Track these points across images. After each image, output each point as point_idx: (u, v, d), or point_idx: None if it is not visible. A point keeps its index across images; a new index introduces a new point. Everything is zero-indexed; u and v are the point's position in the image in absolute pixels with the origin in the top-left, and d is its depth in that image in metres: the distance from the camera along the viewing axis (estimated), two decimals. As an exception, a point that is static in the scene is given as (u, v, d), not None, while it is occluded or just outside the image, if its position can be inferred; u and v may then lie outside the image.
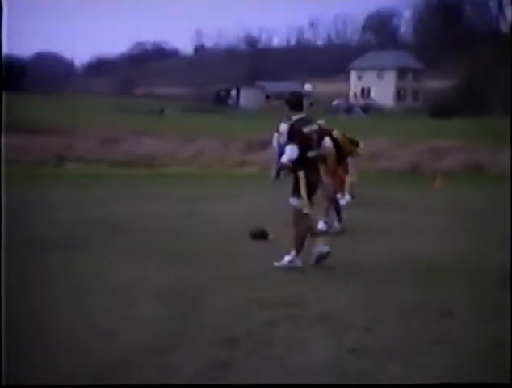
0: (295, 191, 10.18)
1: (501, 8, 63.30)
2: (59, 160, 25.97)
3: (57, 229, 12.43)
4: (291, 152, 10.03)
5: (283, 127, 22.45)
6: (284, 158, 10.12)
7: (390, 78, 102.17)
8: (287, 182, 20.88)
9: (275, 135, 24.03)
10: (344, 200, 14.64)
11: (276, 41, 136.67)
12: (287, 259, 10.16)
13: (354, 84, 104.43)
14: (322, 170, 13.16)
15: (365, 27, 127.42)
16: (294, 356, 6.42)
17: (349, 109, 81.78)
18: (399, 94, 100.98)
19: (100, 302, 8.06)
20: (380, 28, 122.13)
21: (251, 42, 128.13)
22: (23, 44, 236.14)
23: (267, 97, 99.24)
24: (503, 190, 15.52)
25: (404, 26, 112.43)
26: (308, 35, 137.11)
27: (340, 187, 14.05)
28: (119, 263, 10.03)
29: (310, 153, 10.18)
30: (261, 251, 11.13)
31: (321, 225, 13.08)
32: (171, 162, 28.06)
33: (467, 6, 66.33)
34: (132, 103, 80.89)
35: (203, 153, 30.66)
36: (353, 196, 15.35)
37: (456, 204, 16.74)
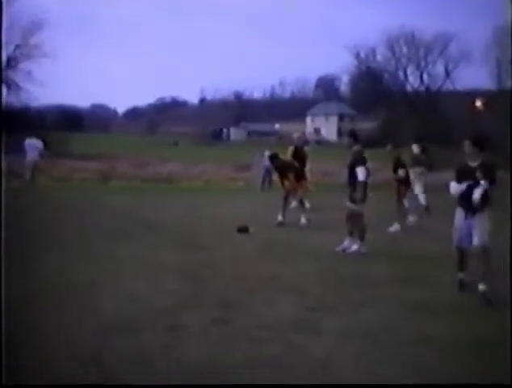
0: (355, 199, 9.92)
1: (405, 75, 65.22)
2: (105, 178, 25.78)
3: (106, 225, 12.34)
4: (365, 172, 9.90)
5: (267, 153, 21.65)
6: (363, 177, 9.84)
7: (334, 121, 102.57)
8: (266, 193, 20.84)
9: (261, 159, 23.23)
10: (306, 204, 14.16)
11: (255, 95, 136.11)
12: (355, 247, 9.95)
13: (309, 125, 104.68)
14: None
15: (317, 86, 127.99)
16: (268, 313, 6.42)
17: (306, 142, 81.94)
18: (340, 132, 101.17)
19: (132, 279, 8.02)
20: (327, 87, 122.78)
21: (238, 95, 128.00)
22: (82, 97, 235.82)
23: (249, 134, 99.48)
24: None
25: (343, 85, 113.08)
26: (278, 90, 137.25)
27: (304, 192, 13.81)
28: (147, 249, 9.93)
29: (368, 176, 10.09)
30: (244, 240, 11.12)
31: (303, 221, 12.94)
32: (184, 179, 27.93)
33: (385, 74, 67.28)
34: (156, 139, 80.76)
35: (205, 173, 30.60)
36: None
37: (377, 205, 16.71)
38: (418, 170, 16.19)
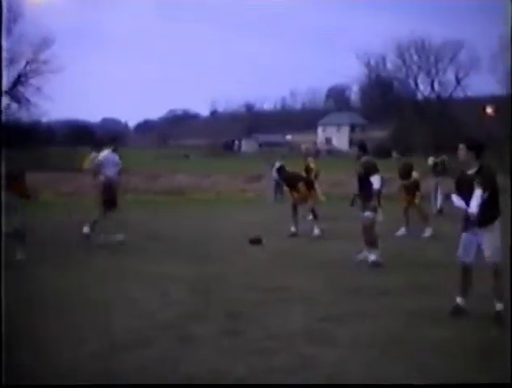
0: (373, 208, 9.85)
1: (416, 84, 65.39)
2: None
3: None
4: (379, 181, 9.91)
5: (277, 164, 21.50)
6: (377, 185, 9.80)
7: (345, 131, 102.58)
8: (279, 203, 20.76)
9: (272, 169, 22.79)
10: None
11: (266, 106, 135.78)
12: (372, 257, 9.77)
13: (321, 135, 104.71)
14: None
15: (328, 96, 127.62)
16: (277, 324, 6.42)
17: (317, 152, 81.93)
18: (351, 142, 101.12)
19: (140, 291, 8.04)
20: (338, 97, 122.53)
21: (249, 107, 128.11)
22: (94, 112, 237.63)
23: (260, 145, 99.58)
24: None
25: (354, 95, 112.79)
26: (289, 101, 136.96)
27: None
28: (158, 261, 9.96)
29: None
30: (257, 252, 11.11)
31: (316, 231, 12.92)
32: (195, 191, 27.96)
33: (395, 82, 67.38)
34: (167, 151, 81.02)
35: (216, 184, 30.65)
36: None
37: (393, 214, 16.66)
38: (434, 179, 16.81)
